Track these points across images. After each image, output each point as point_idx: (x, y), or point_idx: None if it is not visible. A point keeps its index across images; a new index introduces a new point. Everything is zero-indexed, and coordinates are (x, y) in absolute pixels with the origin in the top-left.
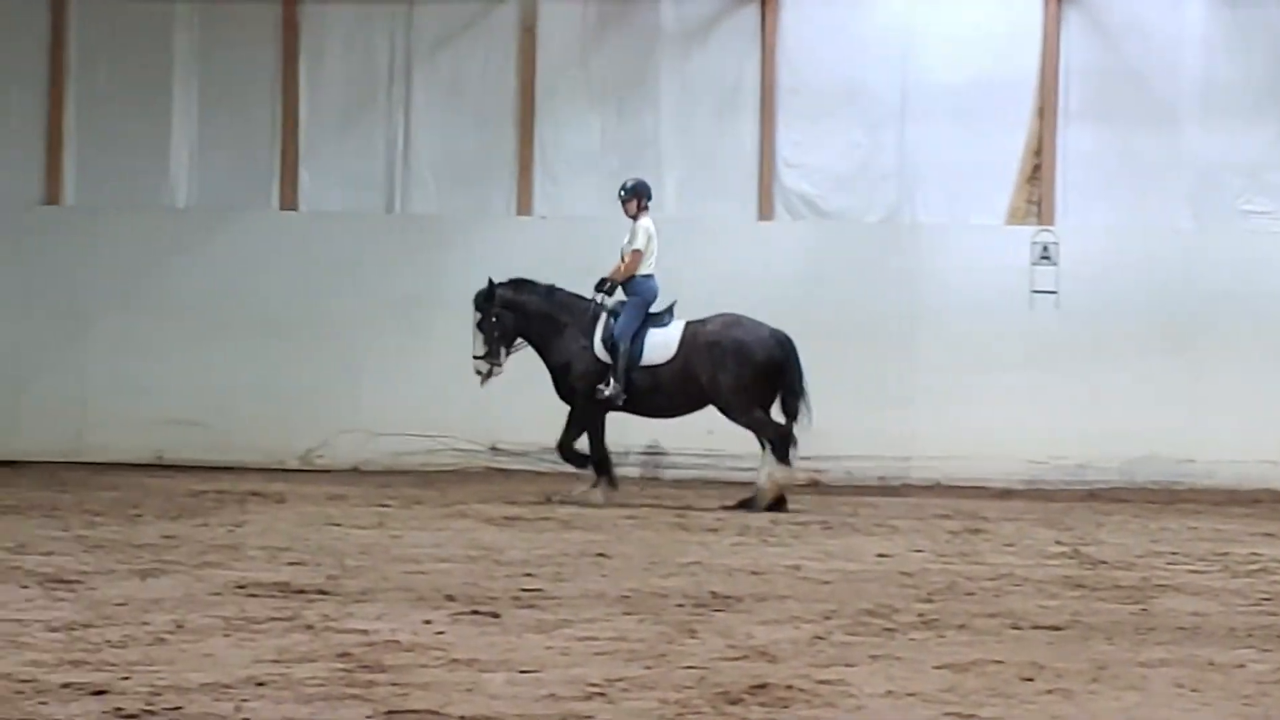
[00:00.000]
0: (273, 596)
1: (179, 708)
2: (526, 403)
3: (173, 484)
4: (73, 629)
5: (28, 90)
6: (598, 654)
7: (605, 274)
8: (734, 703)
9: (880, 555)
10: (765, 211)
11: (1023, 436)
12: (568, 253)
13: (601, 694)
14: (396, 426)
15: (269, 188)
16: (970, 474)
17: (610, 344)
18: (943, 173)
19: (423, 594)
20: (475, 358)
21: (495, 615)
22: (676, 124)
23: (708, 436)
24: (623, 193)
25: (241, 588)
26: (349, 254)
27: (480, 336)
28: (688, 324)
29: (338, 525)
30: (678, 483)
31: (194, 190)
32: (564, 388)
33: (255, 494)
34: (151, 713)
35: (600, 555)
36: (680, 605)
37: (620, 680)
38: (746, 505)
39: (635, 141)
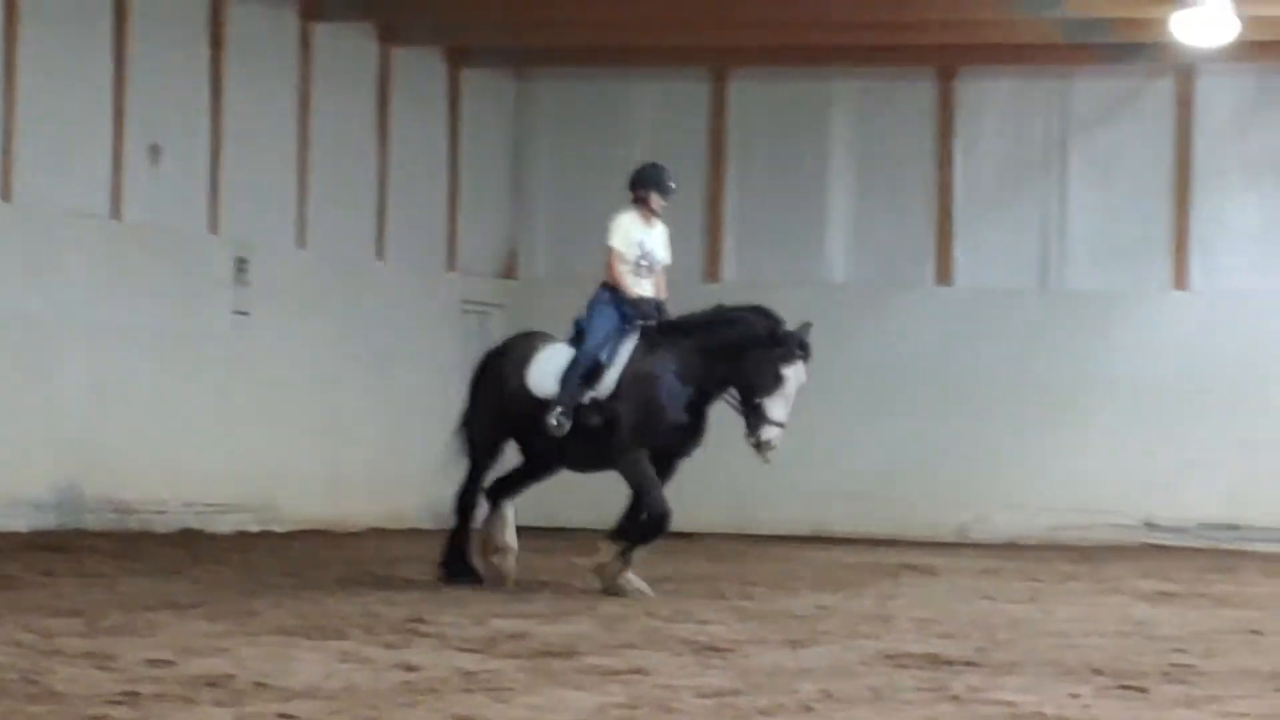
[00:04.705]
0: (921, 668)
1: None
2: (1182, 478)
3: (829, 556)
4: (722, 695)
5: (689, 170)
6: None
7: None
8: None
9: None
10: None
11: None
12: (1224, 329)
13: None
14: (1052, 502)
15: (924, 264)
16: None
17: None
18: None
19: (1070, 667)
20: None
21: (1143, 690)
22: None
23: None
24: (672, 186)
25: (890, 658)
26: (1004, 330)
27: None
28: None
29: (990, 599)
30: None
31: (850, 267)
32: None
33: (909, 567)
34: None
35: (1254, 632)
36: None
37: None
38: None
39: None
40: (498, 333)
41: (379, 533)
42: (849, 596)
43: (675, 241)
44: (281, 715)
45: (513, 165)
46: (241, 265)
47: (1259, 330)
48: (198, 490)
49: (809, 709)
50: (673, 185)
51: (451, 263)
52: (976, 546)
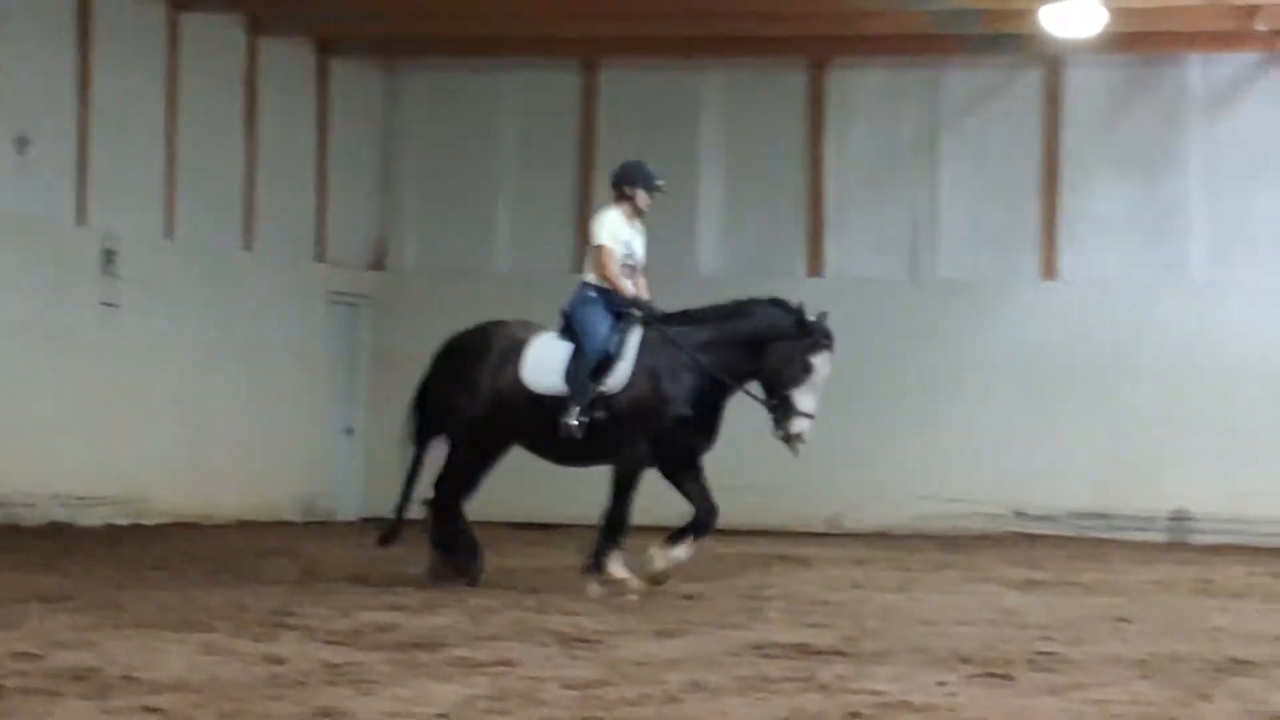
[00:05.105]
0: (789, 657)
1: None
2: (1052, 467)
3: (702, 546)
4: (589, 687)
5: (559, 162)
6: (1111, 716)
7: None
8: None
9: None
10: None
11: None
12: (1092, 319)
13: None
14: (923, 491)
15: (796, 255)
16: None
17: None
18: None
19: (938, 656)
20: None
21: (1009, 677)
22: (1204, 188)
23: (1236, 501)
24: (660, 185)
25: (758, 648)
26: (875, 320)
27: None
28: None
29: (860, 588)
30: (1205, 548)
31: (721, 258)
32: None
33: (781, 557)
34: None
35: (1121, 620)
36: (1198, 670)
37: None
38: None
39: (1162, 206)
40: (366, 324)
41: (248, 525)
42: (719, 587)
43: (543, 233)
44: (147, 708)
45: (382, 157)
46: (109, 257)
47: (1127, 320)
48: (66, 483)
49: (676, 700)
50: (661, 184)
51: (320, 254)
52: (848, 536)
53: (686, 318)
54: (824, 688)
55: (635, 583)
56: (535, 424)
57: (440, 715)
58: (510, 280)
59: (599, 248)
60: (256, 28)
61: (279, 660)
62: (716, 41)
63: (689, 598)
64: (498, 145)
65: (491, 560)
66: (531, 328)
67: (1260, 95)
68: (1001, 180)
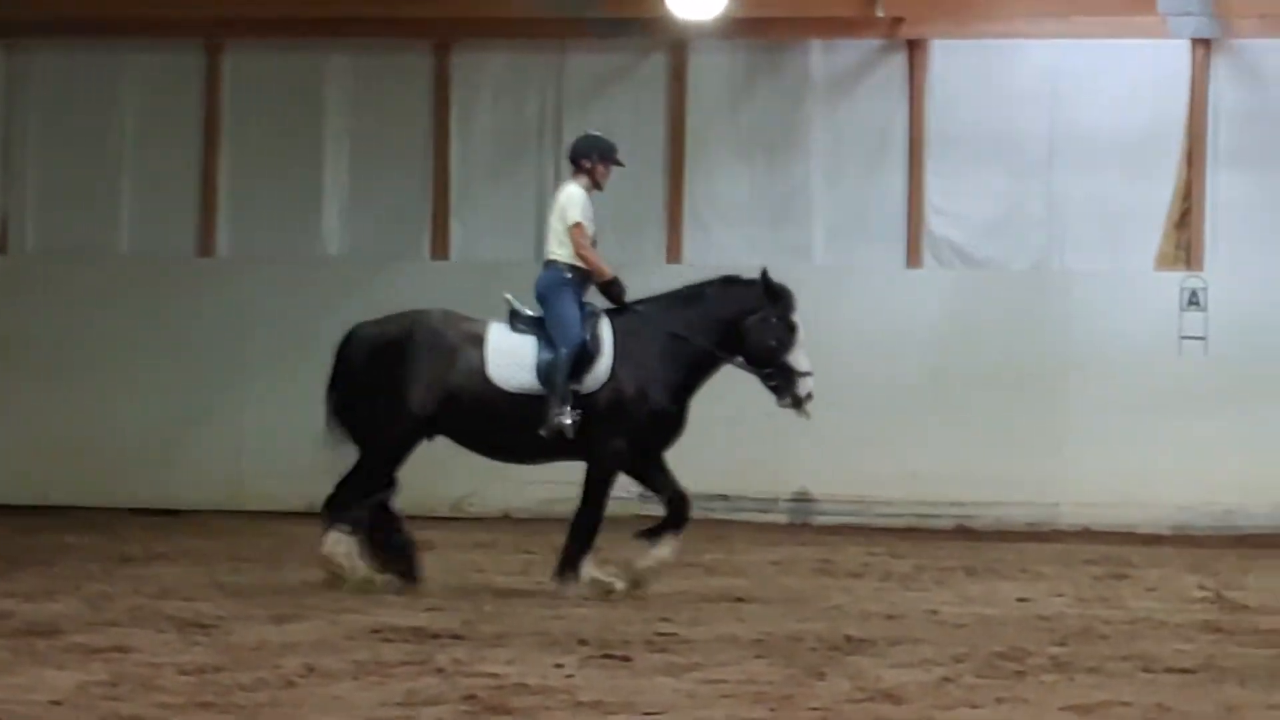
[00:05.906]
0: (407, 641)
1: None
2: (675, 449)
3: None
4: (205, 672)
5: (182, 144)
6: (724, 696)
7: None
8: None
9: (1020, 600)
10: (914, 260)
11: (1172, 482)
12: None
13: None
14: (546, 475)
15: (420, 237)
16: (1119, 520)
17: None
18: (1091, 219)
19: (557, 638)
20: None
21: (626, 659)
22: (825, 173)
23: (856, 482)
24: (620, 161)
25: (376, 632)
26: (499, 302)
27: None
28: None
29: (481, 572)
30: (827, 529)
31: (346, 240)
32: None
33: None
34: None
35: (739, 600)
36: (813, 649)
37: None
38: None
39: (784, 190)
40: None
41: None
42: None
43: (167, 215)
44: None
45: (2, 138)
46: None
47: None
48: None
49: (292, 684)
50: (619, 157)
51: None
52: (472, 520)
53: (650, 305)
54: (441, 671)
55: (618, 583)
56: (505, 424)
57: (55, 703)
58: (133, 262)
59: (575, 225)
60: None
61: None
62: (341, 22)
63: (307, 583)
64: (120, 126)
65: (111, 547)
66: (469, 319)
67: (880, 80)
68: (627, 163)
